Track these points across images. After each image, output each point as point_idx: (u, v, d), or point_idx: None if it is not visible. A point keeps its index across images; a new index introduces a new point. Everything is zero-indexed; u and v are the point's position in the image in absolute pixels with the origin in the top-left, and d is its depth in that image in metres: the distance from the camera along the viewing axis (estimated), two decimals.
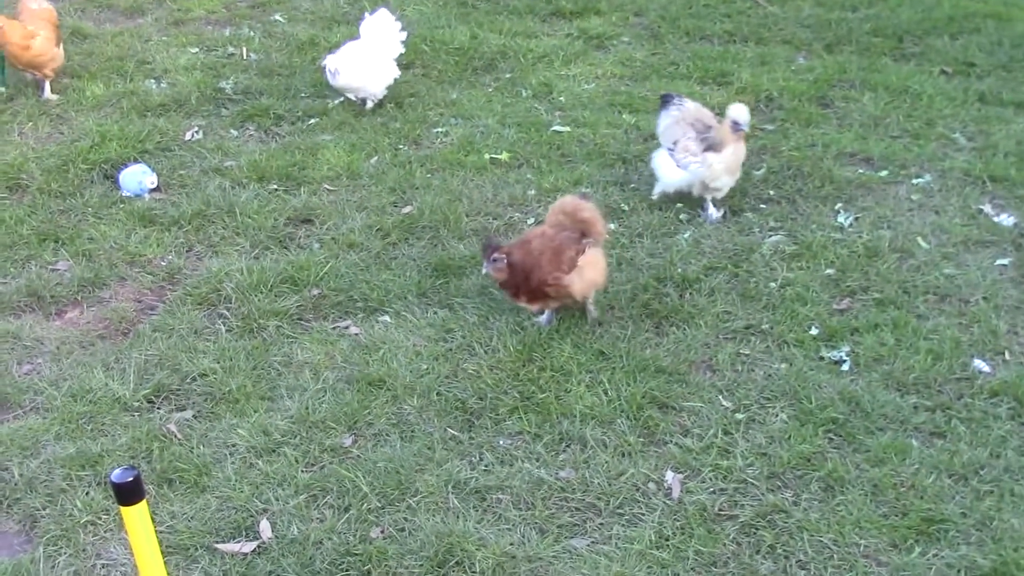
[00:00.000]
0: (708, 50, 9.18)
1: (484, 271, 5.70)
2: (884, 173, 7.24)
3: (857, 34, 9.39)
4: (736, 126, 6.53)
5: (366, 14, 8.43)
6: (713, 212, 6.74)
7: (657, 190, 6.96)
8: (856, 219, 6.69)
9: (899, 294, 5.99)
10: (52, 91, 8.42)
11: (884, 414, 5.14)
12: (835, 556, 4.42)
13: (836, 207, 6.83)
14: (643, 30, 9.69)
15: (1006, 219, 6.67)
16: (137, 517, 2.30)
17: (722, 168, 6.58)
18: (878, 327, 5.71)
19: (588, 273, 5.67)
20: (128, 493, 2.25)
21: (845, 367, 5.48)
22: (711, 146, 6.56)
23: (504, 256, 5.58)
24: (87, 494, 4.76)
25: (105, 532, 4.60)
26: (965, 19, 9.56)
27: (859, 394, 5.24)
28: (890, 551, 4.44)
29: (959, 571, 4.33)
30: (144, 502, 2.31)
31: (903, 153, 7.46)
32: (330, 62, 7.99)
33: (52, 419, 5.21)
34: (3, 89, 8.53)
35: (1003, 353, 5.55)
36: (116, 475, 2.26)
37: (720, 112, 6.86)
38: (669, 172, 6.79)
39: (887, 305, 5.90)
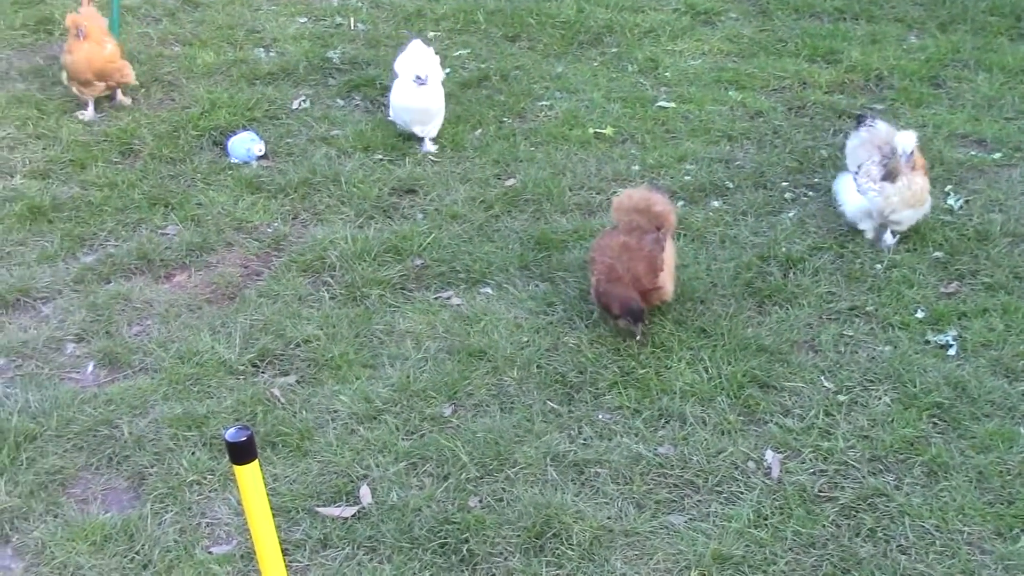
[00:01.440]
0: (817, 27, 9.06)
1: (624, 328, 5.51)
2: (997, 155, 7.11)
3: (972, 12, 9.21)
4: (904, 156, 5.94)
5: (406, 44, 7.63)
6: (888, 237, 6.19)
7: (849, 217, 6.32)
8: (967, 202, 6.58)
9: (1010, 279, 5.89)
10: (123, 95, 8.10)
11: (991, 400, 5.06)
12: (937, 542, 4.37)
13: (946, 189, 6.72)
14: (751, 6, 9.58)
15: None
16: (249, 476, 2.34)
17: (898, 200, 5.97)
18: (987, 312, 5.63)
19: (670, 265, 5.58)
20: (241, 452, 2.29)
21: (952, 351, 5.40)
22: (888, 175, 6.03)
23: (641, 311, 5.39)
24: (193, 454, 4.85)
25: (210, 491, 4.69)
26: None
27: (965, 379, 5.17)
28: (995, 539, 4.38)
29: None
30: (256, 461, 2.35)
31: (1017, 135, 7.32)
32: (420, 67, 7.14)
33: (160, 380, 5.31)
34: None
35: None
36: (230, 434, 2.30)
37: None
38: (849, 197, 6.24)
39: (997, 290, 5.81)
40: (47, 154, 7.36)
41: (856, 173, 6.23)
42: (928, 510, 4.51)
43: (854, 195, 6.18)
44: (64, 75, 7.78)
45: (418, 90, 7.01)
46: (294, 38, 9.01)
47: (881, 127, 6.33)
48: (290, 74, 8.44)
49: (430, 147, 7.29)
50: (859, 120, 6.55)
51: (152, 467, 4.81)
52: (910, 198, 5.98)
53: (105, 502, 4.68)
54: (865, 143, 6.30)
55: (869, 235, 6.17)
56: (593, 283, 5.50)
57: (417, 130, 7.30)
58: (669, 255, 5.56)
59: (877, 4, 9.48)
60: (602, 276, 5.43)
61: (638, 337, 5.45)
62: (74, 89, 7.76)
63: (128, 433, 4.99)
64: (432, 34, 9.05)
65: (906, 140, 5.94)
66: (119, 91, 7.93)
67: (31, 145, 7.49)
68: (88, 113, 7.77)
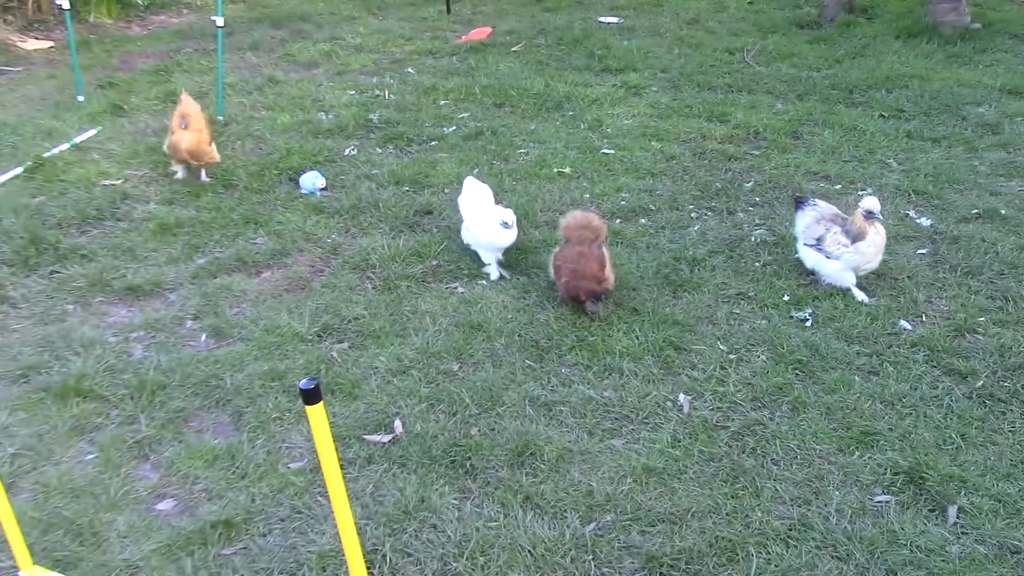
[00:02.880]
0: (713, 97, 9.05)
1: (591, 310, 5.42)
2: (839, 187, 7.11)
3: (820, 87, 9.22)
4: (869, 215, 5.51)
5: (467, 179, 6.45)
6: (860, 293, 5.65)
7: (825, 279, 5.74)
8: None
9: None
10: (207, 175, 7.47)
11: (835, 357, 5.06)
12: (798, 457, 4.37)
13: None
14: (667, 82, 9.57)
15: (924, 221, 6.53)
16: (317, 414, 2.32)
17: (873, 252, 5.57)
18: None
19: (609, 263, 5.52)
20: (312, 396, 2.27)
21: (808, 324, 5.40)
22: (856, 237, 5.53)
23: (601, 293, 5.37)
24: (276, 398, 4.82)
25: (288, 425, 4.66)
26: (898, 78, 9.34)
27: (818, 343, 5.16)
28: (838, 454, 4.38)
29: (886, 469, 4.26)
30: (322, 403, 2.32)
31: (852, 173, 7.32)
32: (506, 214, 5.87)
33: (252, 346, 5.27)
34: (221, 117, 8.61)
35: (921, 316, 5.44)
36: (303, 383, 2.28)
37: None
38: (827, 266, 5.66)
39: None
40: (172, 187, 7.30)
41: (817, 245, 5.67)
42: (792, 434, 4.50)
43: (830, 263, 5.64)
44: (166, 148, 7.34)
45: (505, 232, 5.85)
46: (346, 105, 8.97)
47: (822, 204, 5.85)
48: (343, 130, 8.39)
49: (503, 272, 6.01)
50: (800, 202, 5.94)
51: (247, 407, 4.78)
52: (880, 245, 5.59)
53: (214, 432, 4.65)
54: (819, 220, 5.73)
55: (851, 286, 5.66)
56: (563, 283, 5.44)
57: (492, 257, 6.01)
58: (607, 256, 5.52)
59: (755, 81, 9.49)
60: (569, 277, 5.39)
61: (600, 313, 5.42)
62: (172, 159, 7.39)
63: (230, 384, 4.95)
64: (443, 102, 9.01)
65: (874, 203, 5.54)
66: (203, 170, 7.38)
67: (161, 181, 7.44)
68: (180, 173, 7.44)
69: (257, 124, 8.53)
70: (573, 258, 5.45)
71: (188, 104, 7.29)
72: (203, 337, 5.44)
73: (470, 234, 6.01)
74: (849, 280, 5.69)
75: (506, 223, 5.79)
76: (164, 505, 4.18)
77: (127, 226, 6.72)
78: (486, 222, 5.90)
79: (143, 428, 4.64)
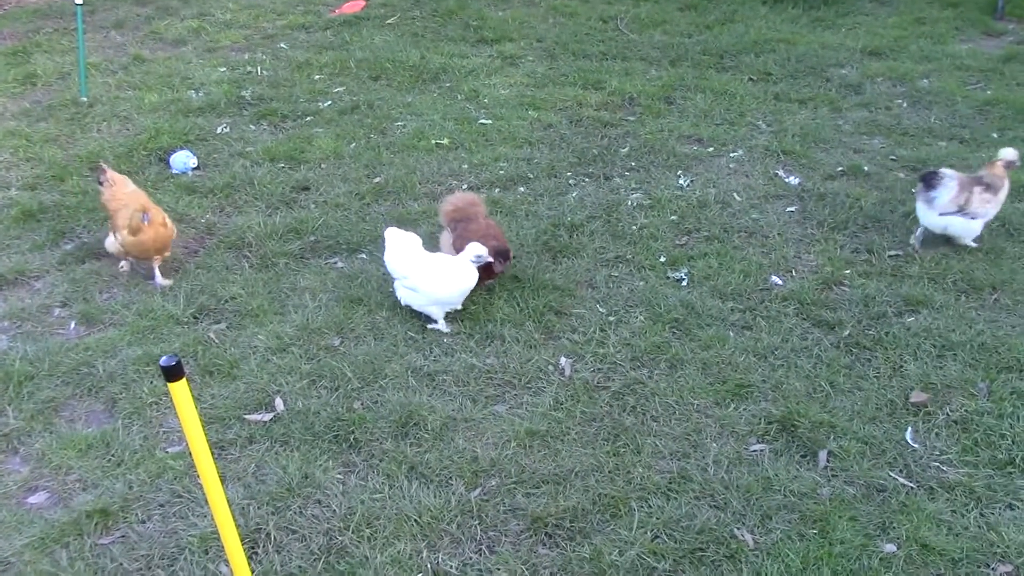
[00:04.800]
0: (588, 65, 9.09)
1: (499, 270, 5.27)
2: (711, 149, 7.26)
3: (692, 53, 9.35)
4: (1010, 164, 5.68)
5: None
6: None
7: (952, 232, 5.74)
8: (692, 181, 6.71)
9: (721, 232, 6.03)
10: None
11: (710, 315, 5.18)
12: (677, 412, 4.48)
13: (678, 173, 6.84)
14: (543, 52, 9.58)
15: (793, 180, 6.72)
16: (180, 391, 2.26)
17: (1003, 198, 5.68)
18: (706, 255, 5.75)
19: None
20: (173, 372, 2.21)
21: (684, 283, 5.51)
22: (995, 189, 5.59)
23: (507, 252, 5.26)
24: (152, 383, 4.69)
25: (165, 409, 4.54)
26: (765, 43, 9.54)
27: (693, 301, 5.28)
28: (715, 407, 4.51)
29: (760, 419, 4.40)
30: (184, 380, 2.27)
31: (723, 135, 7.48)
32: (474, 247, 5.09)
33: (125, 331, 5.11)
34: (85, 98, 8.28)
35: (791, 271, 5.61)
36: (163, 360, 2.22)
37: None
38: (972, 225, 5.65)
39: (712, 240, 5.95)
40: (34, 172, 7.00)
41: (960, 212, 5.59)
42: (670, 391, 4.60)
43: (975, 222, 5.64)
44: (116, 246, 5.58)
45: (474, 269, 5.07)
46: (216, 82, 8.71)
47: (952, 171, 5.68)
48: (214, 108, 8.15)
49: (443, 327, 5.14)
50: (930, 178, 5.66)
51: (122, 394, 4.65)
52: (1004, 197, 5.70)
53: (87, 421, 4.50)
54: (961, 187, 5.56)
55: (915, 241, 5.80)
56: (489, 249, 5.16)
57: (443, 312, 5.15)
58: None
59: (629, 49, 9.57)
60: (490, 245, 5.17)
61: (504, 273, 5.36)
62: (126, 260, 5.74)
63: (102, 370, 4.80)
64: (317, 77, 8.85)
65: (1014, 153, 5.70)
66: (157, 265, 5.64)
67: (22, 166, 7.12)
68: (125, 267, 5.76)
69: (124, 104, 8.22)
70: (486, 229, 5.35)
71: (117, 179, 5.81)
72: (72, 325, 5.25)
73: (417, 293, 5.08)
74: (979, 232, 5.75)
75: (479, 256, 5.05)
76: (36, 498, 4.04)
77: None
78: (438, 272, 5.04)
79: (11, 421, 4.47)
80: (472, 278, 5.07)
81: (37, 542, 3.77)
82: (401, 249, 5.16)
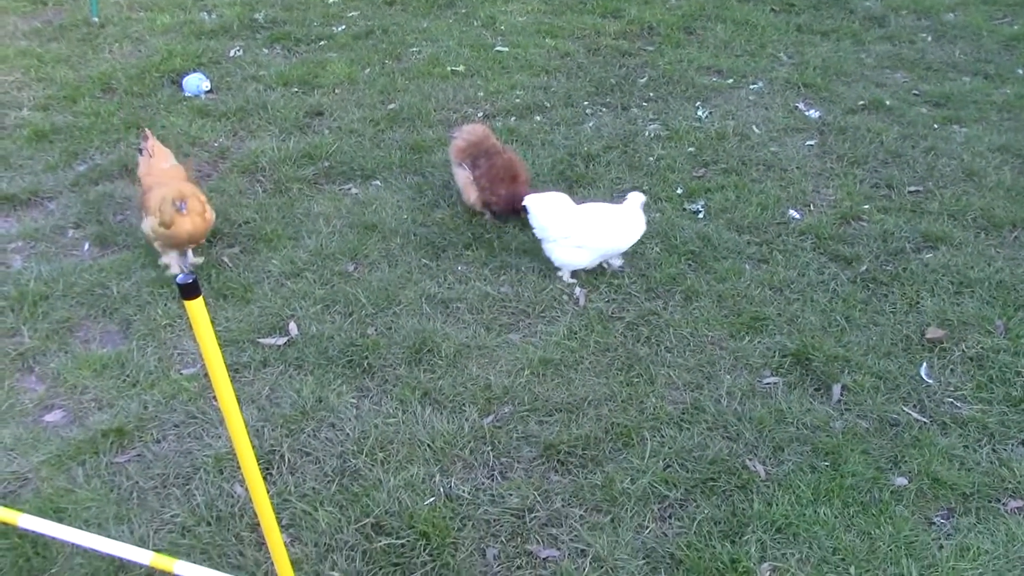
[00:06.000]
0: None
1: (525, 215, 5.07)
2: (730, 81, 7.14)
3: None
4: None
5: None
6: None
7: None
8: (710, 113, 6.62)
9: (739, 165, 5.96)
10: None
11: (727, 247, 5.14)
12: (691, 343, 4.46)
13: (696, 104, 6.74)
14: None
15: (813, 113, 6.63)
16: (197, 309, 2.24)
17: None
18: (724, 188, 5.69)
19: None
20: (190, 291, 2.19)
21: (701, 215, 5.46)
22: None
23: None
24: (166, 305, 4.69)
25: (179, 332, 4.54)
26: None
27: (710, 234, 5.23)
28: (729, 339, 4.49)
29: (774, 352, 4.39)
30: (201, 298, 2.25)
31: (743, 67, 7.36)
32: (635, 197, 4.86)
33: (138, 253, 5.09)
34: (96, 19, 8.17)
35: (809, 205, 5.56)
36: (180, 278, 2.19)
37: None
38: None
39: (730, 173, 5.88)
40: (46, 92, 6.93)
41: None
42: (685, 322, 4.59)
43: None
44: (148, 231, 4.85)
45: (643, 215, 4.86)
46: (229, 4, 8.58)
47: None
48: (227, 31, 8.04)
49: (570, 278, 4.95)
50: None
51: (136, 315, 4.65)
52: None
53: (102, 342, 4.51)
54: None
55: None
56: (503, 195, 5.21)
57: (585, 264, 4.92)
58: None
59: None
60: (511, 185, 5.21)
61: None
62: (162, 250, 4.89)
63: (117, 292, 4.79)
64: (331, 0, 8.71)
65: None
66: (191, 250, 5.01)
67: (34, 86, 7.05)
68: (174, 267, 4.93)
69: (135, 25, 8.11)
70: (504, 167, 5.28)
71: (166, 162, 5.14)
72: (86, 246, 5.23)
73: (585, 249, 4.81)
74: None
75: (644, 203, 4.85)
76: (52, 416, 4.06)
77: None
78: (610, 223, 4.81)
79: (26, 340, 4.48)
80: (643, 225, 4.87)
81: (54, 459, 3.80)
82: (552, 211, 4.89)
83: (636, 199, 4.85)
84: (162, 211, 4.70)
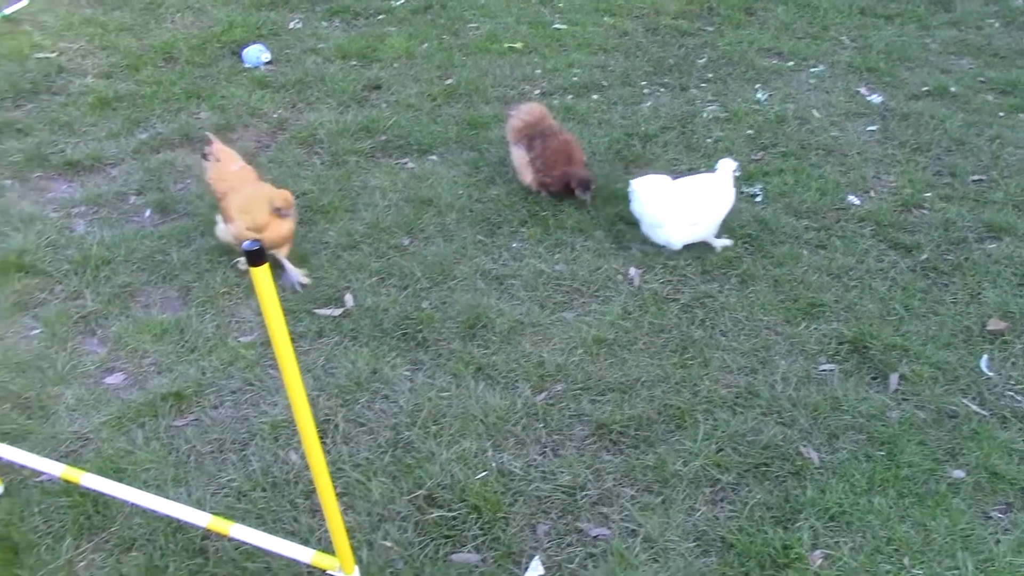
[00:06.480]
0: None
1: (582, 198, 5.22)
2: (791, 64, 7.04)
3: None
4: None
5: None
6: None
7: None
8: (770, 96, 6.52)
9: (798, 149, 5.87)
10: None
11: (784, 232, 5.08)
12: (746, 328, 4.43)
13: (756, 87, 6.65)
14: None
15: (875, 98, 6.51)
16: (262, 276, 2.27)
17: None
18: (782, 172, 5.62)
19: None
20: (256, 257, 2.22)
21: (759, 199, 5.40)
22: None
23: (593, 180, 5.20)
24: (224, 273, 4.75)
25: (236, 299, 4.60)
26: None
27: (767, 218, 5.18)
28: (784, 325, 4.44)
29: (831, 339, 4.33)
30: (267, 264, 2.27)
31: (805, 50, 7.24)
32: (725, 163, 4.92)
33: (199, 221, 5.16)
34: None
35: (869, 191, 5.47)
36: (246, 244, 2.22)
37: None
38: None
39: (789, 156, 5.80)
40: (110, 60, 7.02)
41: None
42: (740, 306, 4.55)
43: None
44: (229, 237, 4.73)
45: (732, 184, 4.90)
46: None
47: None
48: (287, 2, 8.07)
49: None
50: None
51: (195, 282, 4.71)
52: None
53: (162, 307, 4.58)
54: None
55: None
56: (556, 176, 5.22)
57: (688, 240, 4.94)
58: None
59: None
60: (564, 167, 5.22)
61: (589, 202, 5.25)
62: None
63: (177, 259, 4.86)
64: None
65: None
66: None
67: (98, 54, 7.14)
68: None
69: None
70: (560, 149, 5.26)
71: (234, 165, 4.88)
72: (147, 212, 5.31)
73: (699, 225, 4.87)
74: None
75: (736, 169, 4.90)
76: (113, 379, 4.14)
77: (64, 100, 6.47)
78: (711, 195, 4.84)
79: (88, 303, 4.56)
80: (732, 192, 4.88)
81: (114, 420, 3.87)
82: (658, 195, 4.86)
83: (728, 166, 4.86)
84: (252, 214, 4.57)
